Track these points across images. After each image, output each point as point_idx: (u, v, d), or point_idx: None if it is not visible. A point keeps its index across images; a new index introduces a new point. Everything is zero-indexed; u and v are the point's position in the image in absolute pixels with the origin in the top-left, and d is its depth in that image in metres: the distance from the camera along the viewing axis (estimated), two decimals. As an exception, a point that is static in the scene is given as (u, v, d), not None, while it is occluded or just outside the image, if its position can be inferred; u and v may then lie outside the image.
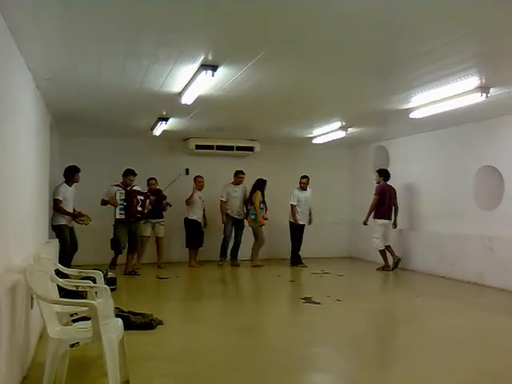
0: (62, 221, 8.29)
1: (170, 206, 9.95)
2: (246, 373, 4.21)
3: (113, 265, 9.01)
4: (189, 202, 10.12)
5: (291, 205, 10.49)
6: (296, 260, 10.55)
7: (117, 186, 9.17)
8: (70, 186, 8.42)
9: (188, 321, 6.10)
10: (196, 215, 10.24)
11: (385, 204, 9.96)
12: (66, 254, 8.04)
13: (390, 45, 4.70)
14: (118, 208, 9.04)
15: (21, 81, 4.79)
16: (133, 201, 9.21)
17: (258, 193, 10.29)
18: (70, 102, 7.25)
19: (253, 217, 10.32)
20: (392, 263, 9.92)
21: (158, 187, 9.86)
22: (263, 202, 10.36)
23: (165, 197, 9.89)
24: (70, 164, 8.61)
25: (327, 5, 3.72)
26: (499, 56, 4.96)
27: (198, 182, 10.31)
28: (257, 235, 10.38)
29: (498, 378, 4.23)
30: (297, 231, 10.57)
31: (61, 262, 7.17)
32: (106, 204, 9.06)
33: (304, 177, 10.61)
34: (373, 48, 4.78)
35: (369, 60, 5.20)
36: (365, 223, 10.17)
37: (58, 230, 8.22)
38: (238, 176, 10.49)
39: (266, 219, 10.36)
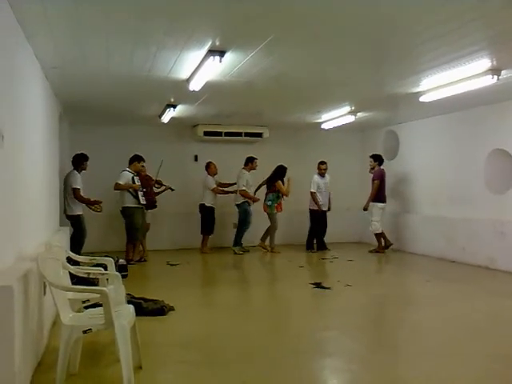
0: (80, 210, 8.32)
1: (173, 190, 9.88)
2: (257, 358, 4.24)
3: (130, 259, 8.88)
4: (217, 191, 10.25)
5: (312, 192, 10.41)
6: (322, 245, 10.57)
7: (127, 171, 9.03)
8: (80, 173, 8.40)
9: (199, 307, 6.15)
10: (212, 202, 10.28)
11: (383, 188, 10.21)
12: (82, 244, 8.11)
13: (400, 28, 4.63)
14: (140, 194, 8.94)
15: (29, 70, 4.80)
16: (151, 187, 9.25)
17: (280, 182, 10.30)
18: (78, 91, 7.26)
19: (269, 203, 10.34)
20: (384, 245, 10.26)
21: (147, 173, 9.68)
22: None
23: (160, 182, 9.83)
24: (79, 152, 8.57)
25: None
26: (510, 38, 4.88)
27: (214, 168, 10.36)
28: (271, 221, 10.40)
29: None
30: (321, 218, 10.51)
31: (76, 251, 7.24)
32: (122, 189, 8.88)
33: (323, 163, 10.55)
34: (383, 32, 4.72)
35: (378, 44, 5.14)
36: (365, 209, 10.32)
37: (76, 220, 8.21)
38: (254, 162, 10.42)
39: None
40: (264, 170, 10.53)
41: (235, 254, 10.17)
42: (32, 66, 4.98)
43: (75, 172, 8.33)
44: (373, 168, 10.32)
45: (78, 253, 7.30)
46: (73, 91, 7.20)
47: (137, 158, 9.15)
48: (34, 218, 4.77)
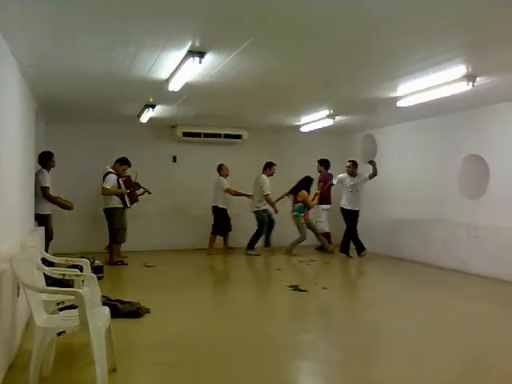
0: (49, 210, 8.14)
1: (150, 193, 9.73)
2: (233, 361, 4.24)
3: (120, 260, 8.96)
4: (231, 191, 10.34)
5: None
6: (344, 248, 10.16)
7: (112, 173, 8.98)
8: (48, 172, 8.12)
9: (175, 309, 6.11)
10: (225, 203, 10.37)
11: (328, 190, 10.80)
12: (47, 245, 7.93)
13: (376, 34, 4.69)
14: (126, 196, 8.99)
15: (5, 68, 4.72)
16: (134, 188, 9.19)
17: (304, 193, 10.26)
18: (55, 89, 7.17)
19: (296, 213, 10.32)
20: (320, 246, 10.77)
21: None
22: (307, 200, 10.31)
23: (138, 184, 9.61)
24: (43, 150, 8.29)
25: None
26: (485, 45, 4.97)
27: (225, 169, 10.46)
28: (300, 231, 10.35)
29: (483, 366, 4.31)
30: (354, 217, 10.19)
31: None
32: (111, 194, 8.86)
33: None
34: (359, 36, 4.77)
35: (356, 48, 5.19)
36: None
37: (44, 219, 7.98)
38: (273, 167, 10.48)
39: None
40: (242, 172, 10.55)
41: (248, 255, 10.26)
42: (8, 64, 4.90)
43: (44, 170, 8.04)
44: (320, 172, 10.80)
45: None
46: (49, 89, 7.10)
47: (125, 162, 9.15)
48: (8, 218, 4.69)
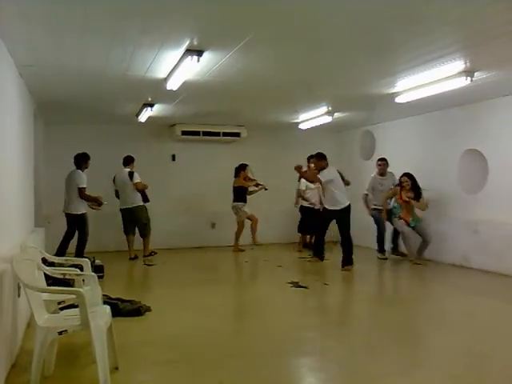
0: (84, 209, 8.33)
1: (266, 190, 10.29)
2: (235, 358, 4.25)
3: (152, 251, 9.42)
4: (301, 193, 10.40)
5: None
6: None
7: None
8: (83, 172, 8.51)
9: (176, 307, 6.12)
10: (308, 202, 10.40)
11: None
12: (85, 244, 8.13)
13: (375, 30, 4.68)
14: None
15: (3, 68, 4.72)
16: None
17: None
18: (53, 89, 7.16)
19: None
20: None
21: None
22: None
23: (257, 182, 10.33)
24: (80, 152, 8.60)
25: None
26: (483, 40, 4.97)
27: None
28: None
29: (485, 359, 4.32)
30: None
31: (80, 252, 7.42)
32: (145, 188, 9.38)
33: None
34: (358, 33, 4.77)
35: (354, 45, 5.18)
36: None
37: (81, 219, 8.26)
38: (378, 163, 9.63)
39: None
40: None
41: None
42: (5, 62, 4.89)
43: (79, 171, 8.41)
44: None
45: (82, 253, 7.46)
46: (48, 89, 7.09)
47: (133, 159, 9.47)
48: (7, 219, 4.70)
